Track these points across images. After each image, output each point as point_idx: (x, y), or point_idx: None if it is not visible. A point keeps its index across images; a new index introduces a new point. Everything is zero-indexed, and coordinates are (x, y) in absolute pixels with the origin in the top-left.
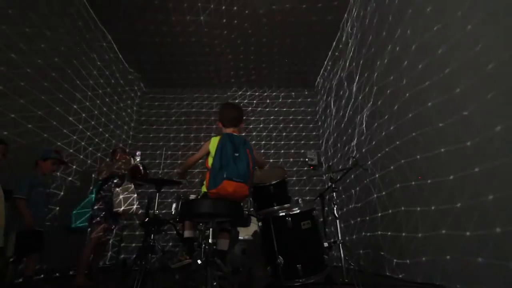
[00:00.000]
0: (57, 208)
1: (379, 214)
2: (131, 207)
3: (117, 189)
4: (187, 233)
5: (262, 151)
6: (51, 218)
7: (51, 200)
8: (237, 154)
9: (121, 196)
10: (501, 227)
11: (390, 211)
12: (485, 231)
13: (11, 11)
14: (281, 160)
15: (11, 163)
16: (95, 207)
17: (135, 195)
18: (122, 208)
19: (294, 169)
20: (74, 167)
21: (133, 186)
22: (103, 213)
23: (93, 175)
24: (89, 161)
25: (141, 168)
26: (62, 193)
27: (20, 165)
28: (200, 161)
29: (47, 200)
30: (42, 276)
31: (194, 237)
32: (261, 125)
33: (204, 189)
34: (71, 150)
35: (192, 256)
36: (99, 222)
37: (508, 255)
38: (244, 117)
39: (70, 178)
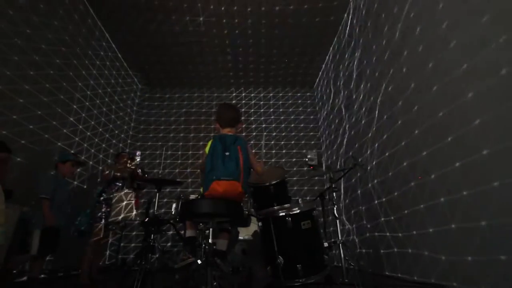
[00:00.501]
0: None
1: (379, 214)
2: (130, 214)
3: (115, 196)
4: (189, 233)
5: (263, 151)
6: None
7: (70, 201)
8: (227, 153)
9: (118, 205)
10: (498, 222)
11: (390, 210)
12: (485, 229)
13: (11, 11)
14: (282, 160)
15: (13, 164)
16: (97, 210)
17: (133, 200)
18: (121, 216)
19: (294, 169)
20: (79, 170)
21: (131, 192)
22: (104, 215)
23: (98, 180)
24: (90, 162)
25: (139, 172)
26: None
27: (21, 166)
28: None
29: (68, 201)
30: (43, 276)
31: (196, 236)
32: (261, 125)
33: (202, 190)
34: (72, 151)
35: (194, 255)
36: (99, 224)
37: (504, 252)
38: (243, 118)
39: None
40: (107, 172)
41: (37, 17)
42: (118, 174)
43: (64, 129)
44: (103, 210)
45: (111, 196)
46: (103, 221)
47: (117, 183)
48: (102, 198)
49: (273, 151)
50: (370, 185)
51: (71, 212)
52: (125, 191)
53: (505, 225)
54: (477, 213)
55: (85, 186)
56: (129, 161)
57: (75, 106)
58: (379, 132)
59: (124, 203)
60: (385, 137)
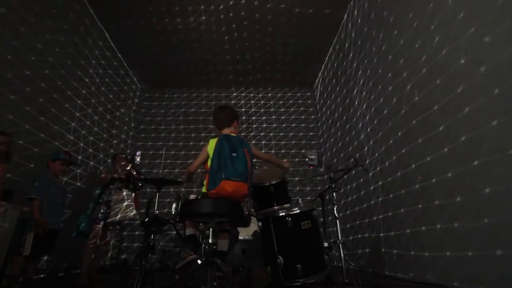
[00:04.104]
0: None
1: (379, 214)
2: (126, 214)
3: (114, 197)
4: (189, 231)
5: (263, 151)
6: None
7: (65, 202)
8: (234, 154)
9: (117, 205)
10: (497, 222)
11: (390, 210)
12: (484, 229)
13: (3, 10)
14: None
15: (13, 164)
16: (96, 211)
17: (132, 202)
18: (119, 216)
19: (294, 169)
20: (79, 171)
21: (127, 192)
22: (103, 216)
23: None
24: (91, 163)
25: (133, 172)
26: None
27: (21, 166)
28: None
29: (62, 202)
30: (42, 275)
31: (196, 234)
32: (261, 125)
33: (204, 189)
34: (65, 150)
35: (196, 252)
36: (98, 225)
37: (504, 252)
38: (244, 117)
39: (64, 178)
40: (103, 175)
41: (33, 17)
42: (116, 175)
43: (63, 129)
44: (102, 211)
45: (110, 197)
46: (102, 222)
47: (116, 184)
48: (101, 200)
49: (273, 151)
50: (370, 184)
51: (71, 212)
52: (125, 192)
53: (508, 226)
54: (478, 213)
55: (84, 186)
56: (122, 162)
57: (73, 106)
58: (379, 132)
59: (125, 203)
60: (385, 137)
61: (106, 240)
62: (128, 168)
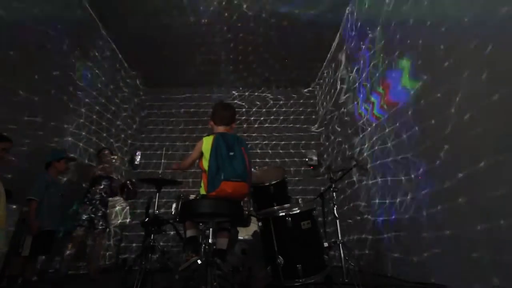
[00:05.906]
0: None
1: (379, 214)
2: (125, 219)
3: (111, 199)
4: (190, 232)
5: (262, 151)
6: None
7: (65, 202)
8: (232, 153)
9: (115, 209)
10: (501, 223)
11: (390, 210)
12: (489, 230)
13: (7, 13)
14: (282, 160)
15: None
16: (80, 210)
17: (128, 207)
18: (119, 221)
19: (294, 169)
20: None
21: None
22: (88, 215)
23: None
24: (86, 161)
25: (129, 185)
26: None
27: (21, 166)
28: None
29: (61, 202)
30: (41, 276)
31: (197, 235)
32: (261, 125)
33: (202, 191)
34: (59, 148)
35: (198, 254)
36: (82, 225)
37: (508, 254)
38: (244, 117)
39: (64, 178)
40: (89, 173)
41: (35, 16)
42: (102, 173)
43: (63, 129)
44: (87, 212)
45: (97, 196)
46: (86, 222)
47: (103, 183)
48: (86, 199)
49: (273, 151)
50: (370, 184)
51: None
52: (116, 200)
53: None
54: (483, 215)
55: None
56: (108, 158)
57: (74, 106)
58: (380, 131)
59: (119, 208)
60: (385, 137)
61: (100, 241)
62: (114, 161)
